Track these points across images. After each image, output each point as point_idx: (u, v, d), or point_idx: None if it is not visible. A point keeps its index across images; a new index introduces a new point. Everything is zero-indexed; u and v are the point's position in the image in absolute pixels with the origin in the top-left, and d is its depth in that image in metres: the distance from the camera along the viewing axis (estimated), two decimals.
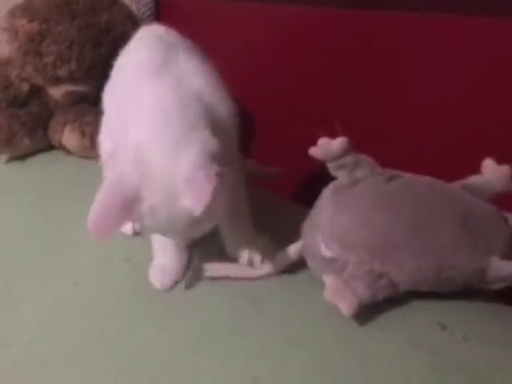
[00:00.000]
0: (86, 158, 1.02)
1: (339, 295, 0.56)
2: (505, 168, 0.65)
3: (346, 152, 0.64)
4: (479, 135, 0.83)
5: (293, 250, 0.66)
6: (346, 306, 0.55)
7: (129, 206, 0.54)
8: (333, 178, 0.67)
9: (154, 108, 0.58)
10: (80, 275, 0.73)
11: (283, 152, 1.06)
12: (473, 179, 0.66)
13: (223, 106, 0.64)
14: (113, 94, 0.72)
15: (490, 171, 0.66)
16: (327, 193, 0.66)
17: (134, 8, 1.22)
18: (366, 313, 0.56)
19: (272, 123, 1.11)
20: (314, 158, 0.66)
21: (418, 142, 0.93)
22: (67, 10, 1.00)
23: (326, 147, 0.64)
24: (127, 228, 0.76)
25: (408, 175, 0.65)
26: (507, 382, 0.48)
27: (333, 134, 0.65)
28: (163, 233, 0.62)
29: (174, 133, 0.55)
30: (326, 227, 0.62)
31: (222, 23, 1.17)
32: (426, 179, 0.64)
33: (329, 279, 0.58)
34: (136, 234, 0.76)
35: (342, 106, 1.01)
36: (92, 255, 0.76)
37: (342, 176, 0.65)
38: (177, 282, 0.68)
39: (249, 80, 1.04)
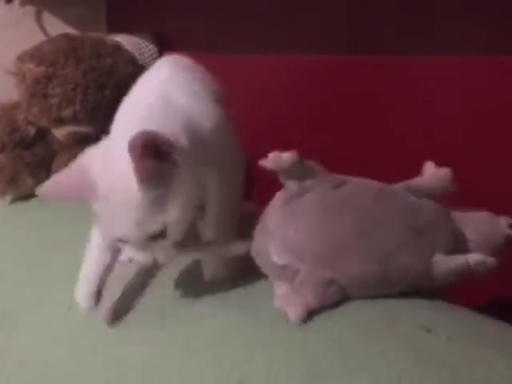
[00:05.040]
0: None
1: (288, 302, 0.58)
2: (445, 170, 0.65)
3: (295, 165, 0.64)
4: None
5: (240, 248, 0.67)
6: (293, 313, 0.57)
7: (87, 189, 0.58)
8: None
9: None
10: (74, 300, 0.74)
11: None
12: (415, 181, 0.67)
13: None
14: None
15: (431, 173, 0.66)
16: (277, 201, 0.66)
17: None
18: (352, 316, 0.57)
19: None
20: None
21: None
22: (73, 55, 1.05)
23: (277, 159, 0.63)
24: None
25: (354, 179, 0.66)
26: (487, 377, 0.48)
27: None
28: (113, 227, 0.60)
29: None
30: (277, 236, 0.63)
31: (224, 74, 1.23)
32: (371, 183, 0.66)
33: (278, 288, 0.61)
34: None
35: (340, 148, 1.04)
36: None
37: (291, 185, 0.65)
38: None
39: (248, 129, 1.08)
